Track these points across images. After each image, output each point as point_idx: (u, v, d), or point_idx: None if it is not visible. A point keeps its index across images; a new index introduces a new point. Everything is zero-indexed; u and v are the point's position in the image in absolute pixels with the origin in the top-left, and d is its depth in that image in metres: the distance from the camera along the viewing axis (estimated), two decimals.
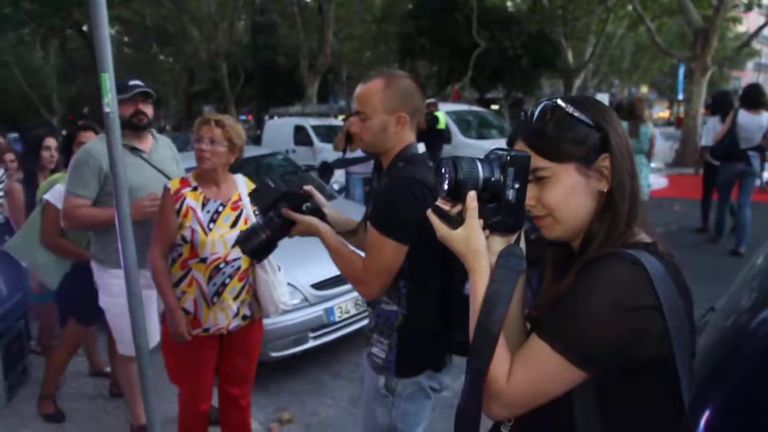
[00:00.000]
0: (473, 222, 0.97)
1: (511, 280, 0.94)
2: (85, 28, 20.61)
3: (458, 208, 1.00)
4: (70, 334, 3.26)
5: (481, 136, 11.17)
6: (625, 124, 6.03)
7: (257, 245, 1.70)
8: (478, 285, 0.97)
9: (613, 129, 1.00)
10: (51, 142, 3.59)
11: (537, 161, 0.99)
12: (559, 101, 0.99)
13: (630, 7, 16.64)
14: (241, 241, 1.74)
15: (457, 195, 0.98)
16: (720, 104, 6.62)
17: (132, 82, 2.74)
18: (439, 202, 1.01)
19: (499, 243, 1.01)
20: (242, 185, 2.55)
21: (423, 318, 1.67)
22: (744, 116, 6.00)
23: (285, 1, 20.50)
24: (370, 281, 1.64)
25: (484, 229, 0.99)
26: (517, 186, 0.96)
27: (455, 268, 1.17)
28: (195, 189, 2.41)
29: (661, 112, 41.43)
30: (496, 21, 20.26)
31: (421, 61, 23.56)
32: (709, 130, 6.61)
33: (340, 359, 3.99)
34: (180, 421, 2.61)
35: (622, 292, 0.90)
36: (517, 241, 1.02)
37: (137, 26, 25.31)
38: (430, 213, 1.02)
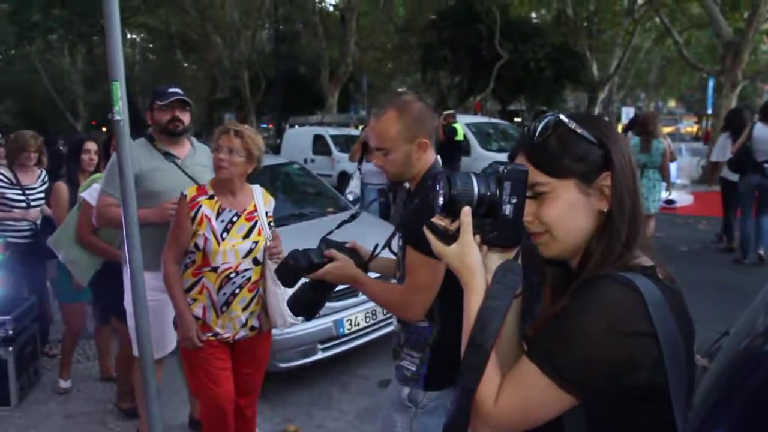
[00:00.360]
0: (467, 237, 0.95)
1: (507, 296, 0.92)
2: None
3: (456, 224, 0.98)
4: (123, 334, 3.28)
5: (501, 149, 11.08)
6: (638, 139, 6.03)
7: (305, 306, 1.81)
8: (472, 301, 0.95)
9: (617, 147, 0.97)
10: (91, 145, 3.71)
11: (536, 176, 0.97)
12: (562, 116, 0.98)
13: (657, 20, 16.44)
14: (291, 305, 1.84)
15: (452, 211, 0.96)
16: (732, 121, 6.65)
17: (171, 90, 2.84)
18: (436, 219, 1.00)
19: (496, 259, 0.99)
20: (259, 196, 2.54)
21: (456, 334, 1.68)
22: (760, 129, 6.00)
23: (308, 10, 20.73)
24: (415, 302, 1.66)
25: (481, 245, 0.98)
26: (514, 201, 0.94)
27: None
28: (211, 197, 2.41)
29: (689, 127, 40.79)
30: (520, 32, 20.17)
31: (443, 72, 23.55)
32: (720, 147, 6.69)
33: (348, 372, 3.94)
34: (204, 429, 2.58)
35: (615, 315, 0.87)
36: (516, 257, 1.00)
37: (162, 34, 25.81)
38: (425, 229, 1.01)
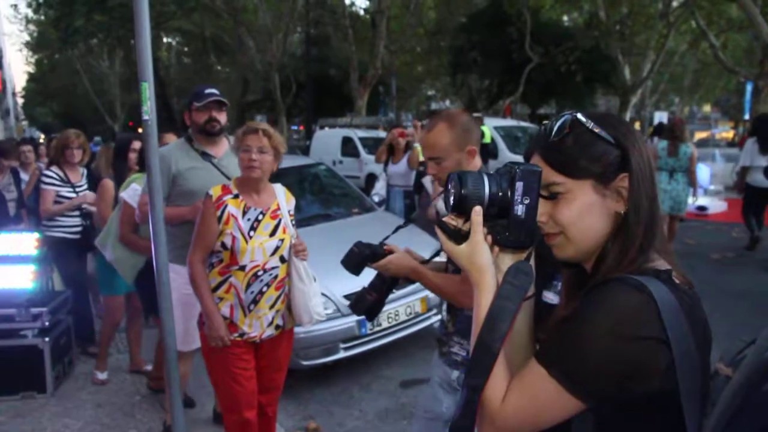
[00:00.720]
0: (477, 237, 0.95)
1: (518, 297, 0.91)
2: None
3: (469, 224, 0.98)
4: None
5: None
6: (665, 143, 6.37)
7: (367, 306, 1.87)
8: (482, 301, 0.94)
9: (635, 148, 0.94)
10: (138, 144, 3.80)
11: (552, 176, 0.95)
12: (579, 115, 0.95)
13: (693, 23, 16.05)
14: (353, 305, 1.90)
15: (463, 210, 0.96)
16: (759, 126, 6.93)
17: (207, 91, 2.92)
18: (448, 218, 1.00)
19: (508, 260, 0.98)
20: (281, 194, 2.56)
21: None
22: None
23: (338, 14, 20.90)
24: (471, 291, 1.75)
25: (492, 245, 0.97)
26: (527, 201, 0.93)
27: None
28: (236, 197, 2.42)
29: (725, 132, 39.60)
30: (551, 36, 19.96)
31: (473, 75, 23.47)
32: (746, 152, 6.87)
33: (370, 372, 3.97)
34: (226, 431, 2.59)
35: (623, 320, 0.85)
36: (528, 258, 0.98)
37: (196, 37, 26.37)
38: (436, 228, 1.02)
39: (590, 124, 0.94)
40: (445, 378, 1.90)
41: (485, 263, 0.95)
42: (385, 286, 1.84)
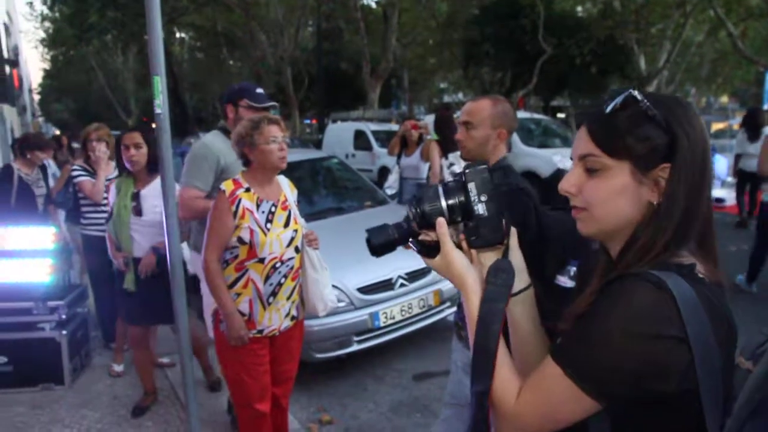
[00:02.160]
0: (447, 248, 0.99)
1: (503, 295, 0.93)
2: None
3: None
4: (131, 335, 3.45)
5: (542, 145, 10.87)
6: None
7: (384, 241, 1.83)
8: (470, 305, 0.96)
9: (687, 137, 0.87)
10: (127, 139, 3.76)
11: (591, 148, 0.91)
12: (636, 93, 0.88)
13: (711, 12, 15.75)
14: (371, 230, 1.85)
15: (430, 225, 1.00)
16: (747, 118, 7.84)
17: (260, 92, 2.98)
18: (423, 235, 1.03)
19: (490, 259, 0.99)
20: (286, 186, 2.58)
21: None
22: None
23: (350, 7, 20.85)
24: None
25: (469, 249, 1.00)
26: (484, 199, 0.97)
27: (546, 259, 1.25)
28: (248, 190, 2.40)
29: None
30: (564, 27, 19.71)
31: (486, 67, 23.26)
32: (738, 141, 7.85)
33: (384, 364, 3.98)
34: (240, 424, 2.60)
35: (639, 318, 0.81)
36: (505, 254, 1.00)
37: (209, 32, 26.43)
38: (411, 247, 1.05)
39: (645, 104, 0.87)
40: (468, 362, 1.94)
41: (462, 270, 0.98)
42: (407, 228, 1.84)
